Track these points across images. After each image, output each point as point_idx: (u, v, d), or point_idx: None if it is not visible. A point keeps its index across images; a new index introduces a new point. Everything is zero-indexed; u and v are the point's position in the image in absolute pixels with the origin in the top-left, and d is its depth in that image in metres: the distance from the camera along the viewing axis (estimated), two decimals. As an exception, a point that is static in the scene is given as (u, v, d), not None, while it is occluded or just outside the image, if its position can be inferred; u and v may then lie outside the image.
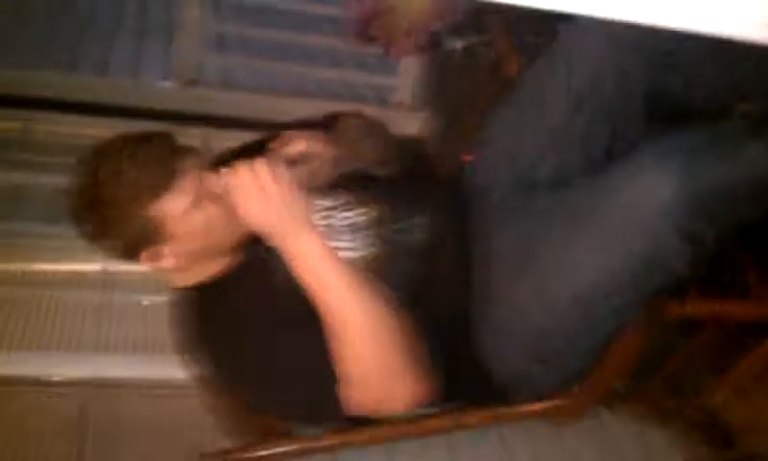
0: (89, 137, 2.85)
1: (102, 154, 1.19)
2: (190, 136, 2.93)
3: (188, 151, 1.22)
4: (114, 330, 2.04)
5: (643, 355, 1.38)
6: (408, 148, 1.53)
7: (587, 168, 1.37)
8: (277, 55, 3.58)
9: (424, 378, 1.22)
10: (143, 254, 1.23)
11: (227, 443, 1.45)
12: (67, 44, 3.40)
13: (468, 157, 1.62)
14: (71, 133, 2.93)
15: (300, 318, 1.22)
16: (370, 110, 3.33)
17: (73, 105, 3.02)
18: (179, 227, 1.20)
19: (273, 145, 1.30)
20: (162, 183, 1.16)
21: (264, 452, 1.39)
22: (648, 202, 1.12)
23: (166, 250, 1.23)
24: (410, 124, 3.40)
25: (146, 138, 1.20)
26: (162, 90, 3.22)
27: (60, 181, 2.50)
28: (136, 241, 1.21)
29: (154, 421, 1.82)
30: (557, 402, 1.45)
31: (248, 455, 1.39)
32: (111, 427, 1.80)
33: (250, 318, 1.27)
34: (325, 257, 1.18)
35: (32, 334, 1.98)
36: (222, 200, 1.20)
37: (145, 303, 2.07)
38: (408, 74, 3.42)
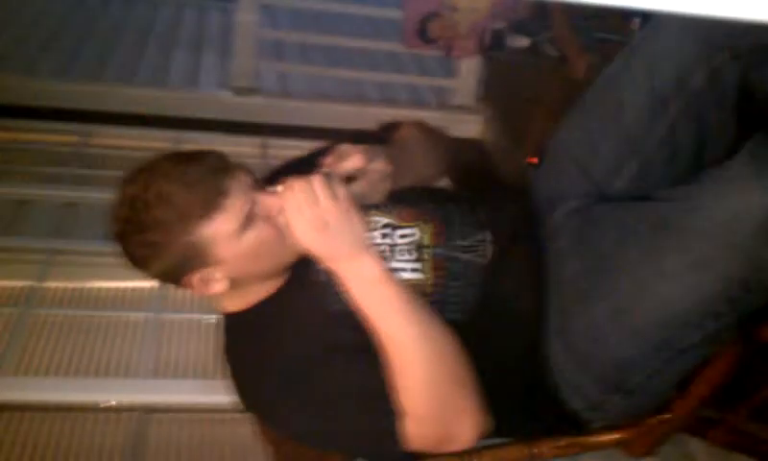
0: (147, 150, 2.85)
1: (147, 174, 1.12)
2: (248, 145, 2.96)
3: (238, 168, 1.15)
4: (172, 352, 1.98)
5: (735, 381, 1.25)
6: (471, 156, 1.43)
7: (672, 178, 1.25)
8: (335, 61, 3.53)
9: (487, 410, 1.14)
10: (191, 279, 1.16)
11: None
12: (124, 56, 3.41)
13: (534, 161, 1.51)
14: (128, 145, 2.90)
15: (356, 345, 1.15)
16: (430, 114, 3.31)
17: (130, 117, 3.02)
18: (228, 249, 1.12)
19: (327, 161, 1.21)
20: (211, 205, 1.09)
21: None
22: (745, 218, 1.00)
23: (216, 274, 1.16)
24: (472, 127, 3.32)
25: (194, 157, 1.13)
26: (220, 100, 3.19)
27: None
28: (184, 265, 1.14)
29: (212, 447, 1.76)
30: (636, 432, 1.34)
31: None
32: (168, 454, 1.74)
33: (302, 344, 1.19)
34: (383, 282, 1.11)
35: (87, 357, 1.94)
36: (274, 220, 1.13)
37: (204, 322, 2.00)
38: (469, 75, 3.35)
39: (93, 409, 1.80)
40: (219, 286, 1.17)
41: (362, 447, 1.19)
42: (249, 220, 1.11)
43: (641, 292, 1.12)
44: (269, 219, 1.13)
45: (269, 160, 2.87)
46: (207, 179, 1.09)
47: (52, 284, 2.15)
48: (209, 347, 1.98)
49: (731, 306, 1.07)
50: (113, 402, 1.82)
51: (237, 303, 1.24)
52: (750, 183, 1.00)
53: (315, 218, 1.07)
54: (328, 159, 1.20)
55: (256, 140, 3.00)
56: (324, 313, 1.20)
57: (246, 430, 1.29)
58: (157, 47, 3.58)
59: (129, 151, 2.87)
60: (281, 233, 1.13)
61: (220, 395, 1.75)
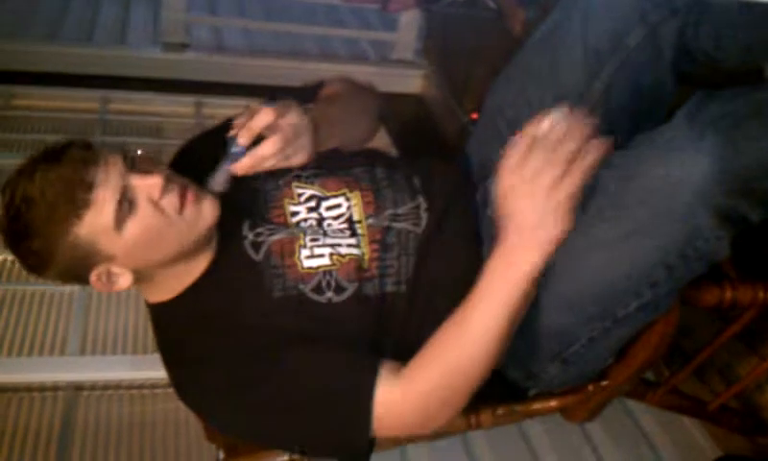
0: (74, 111, 2.75)
1: (16, 179, 1.03)
2: (181, 105, 2.86)
3: (106, 153, 1.04)
4: (100, 325, 1.90)
5: (674, 343, 1.24)
6: (407, 114, 1.35)
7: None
8: (271, 14, 3.43)
9: None
10: (91, 278, 1.08)
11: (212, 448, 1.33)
12: (48, 13, 3.26)
13: (475, 116, 1.46)
14: (54, 106, 2.79)
15: (303, 332, 1.09)
16: (370, 69, 3.24)
17: (55, 76, 2.90)
18: (114, 244, 1.03)
19: (237, 122, 1.12)
20: (77, 202, 1.00)
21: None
22: (682, 183, 0.95)
23: (113, 269, 1.07)
24: (413, 81, 3.27)
25: (55, 152, 1.03)
26: (149, 57, 3.07)
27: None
28: (76, 267, 1.06)
29: (141, 424, 1.70)
30: (575, 399, 1.32)
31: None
32: (97, 432, 1.66)
33: (247, 336, 1.11)
34: (527, 282, 1.04)
35: (10, 334, 1.84)
36: (158, 204, 1.04)
37: (134, 293, 1.91)
38: (409, 29, 3.29)
39: (15, 389, 1.73)
40: (123, 281, 1.08)
41: (324, 439, 1.12)
42: (128, 208, 1.02)
43: (576, 261, 1.08)
44: (152, 203, 1.04)
45: (203, 120, 2.78)
46: (69, 174, 1.00)
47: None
48: (140, 319, 1.92)
49: (667, 275, 1.04)
50: (39, 382, 1.74)
51: (161, 294, 1.16)
52: (687, 148, 0.96)
53: (532, 182, 0.99)
54: (239, 120, 1.12)
55: (189, 99, 2.90)
56: (264, 299, 1.12)
57: (177, 405, 1.23)
58: (83, 2, 3.43)
59: (55, 112, 2.76)
60: (169, 217, 1.04)
61: (149, 370, 1.73)
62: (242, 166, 1.10)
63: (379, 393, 1.05)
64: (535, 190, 0.99)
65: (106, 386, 1.76)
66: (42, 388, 1.74)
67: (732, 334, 1.33)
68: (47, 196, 0.99)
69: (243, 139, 1.09)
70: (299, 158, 1.17)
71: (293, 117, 1.15)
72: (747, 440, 1.62)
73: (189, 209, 1.05)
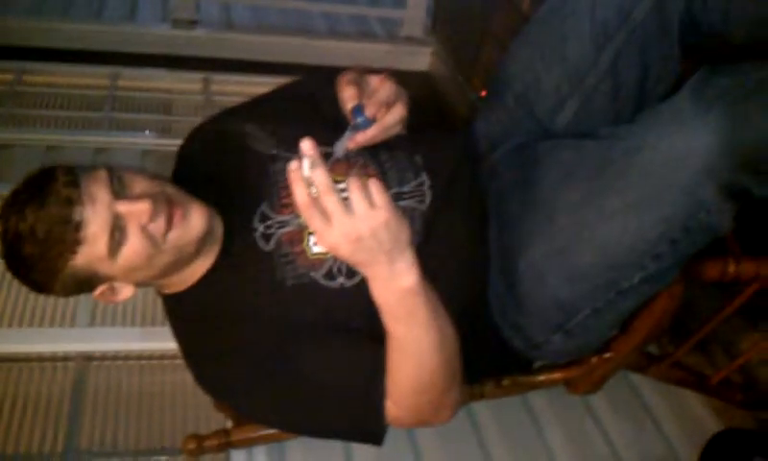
0: (84, 87, 2.76)
1: (5, 213, 1.03)
2: (189, 81, 2.86)
3: (92, 184, 1.02)
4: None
5: (677, 317, 1.25)
6: (415, 95, 1.34)
7: (614, 115, 1.22)
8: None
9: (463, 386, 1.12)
10: (95, 294, 1.10)
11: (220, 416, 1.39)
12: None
13: (483, 94, 1.46)
14: (64, 83, 2.79)
15: (321, 322, 1.11)
16: (379, 46, 3.22)
17: (66, 53, 2.90)
18: (111, 268, 1.05)
19: (349, 92, 1.12)
20: (70, 243, 1.00)
21: (255, 434, 1.30)
22: (687, 156, 0.97)
23: (114, 285, 1.10)
24: (421, 58, 3.27)
25: (40, 192, 1.01)
26: (159, 33, 3.07)
27: (54, 136, 2.43)
28: (77, 288, 1.08)
29: (150, 394, 1.72)
30: (578, 371, 1.34)
31: (238, 438, 1.31)
32: (107, 401, 1.70)
33: (264, 325, 1.12)
34: (414, 293, 1.00)
35: (21, 307, 1.86)
36: (146, 229, 1.03)
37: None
38: (418, 6, 3.28)
39: (27, 359, 1.75)
40: (125, 292, 1.11)
41: (341, 429, 1.15)
42: (119, 237, 1.03)
43: (581, 232, 1.09)
44: (141, 229, 1.03)
45: (211, 97, 2.79)
46: (56, 215, 0.99)
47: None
48: (148, 291, 1.92)
49: (671, 247, 1.05)
50: (50, 353, 1.77)
51: (170, 288, 1.18)
52: (693, 122, 0.97)
53: (348, 233, 0.93)
54: (350, 91, 1.12)
55: (198, 76, 2.91)
56: (279, 289, 1.13)
57: (186, 375, 1.26)
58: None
59: (65, 89, 2.77)
60: (157, 243, 1.04)
61: (158, 341, 1.75)
62: (369, 136, 1.11)
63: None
64: (356, 234, 0.94)
65: (115, 356, 1.78)
66: (53, 358, 1.76)
67: (734, 309, 1.34)
68: (38, 235, 0.99)
69: (371, 111, 1.09)
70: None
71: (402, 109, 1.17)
72: (749, 414, 1.63)
73: (175, 231, 1.05)
